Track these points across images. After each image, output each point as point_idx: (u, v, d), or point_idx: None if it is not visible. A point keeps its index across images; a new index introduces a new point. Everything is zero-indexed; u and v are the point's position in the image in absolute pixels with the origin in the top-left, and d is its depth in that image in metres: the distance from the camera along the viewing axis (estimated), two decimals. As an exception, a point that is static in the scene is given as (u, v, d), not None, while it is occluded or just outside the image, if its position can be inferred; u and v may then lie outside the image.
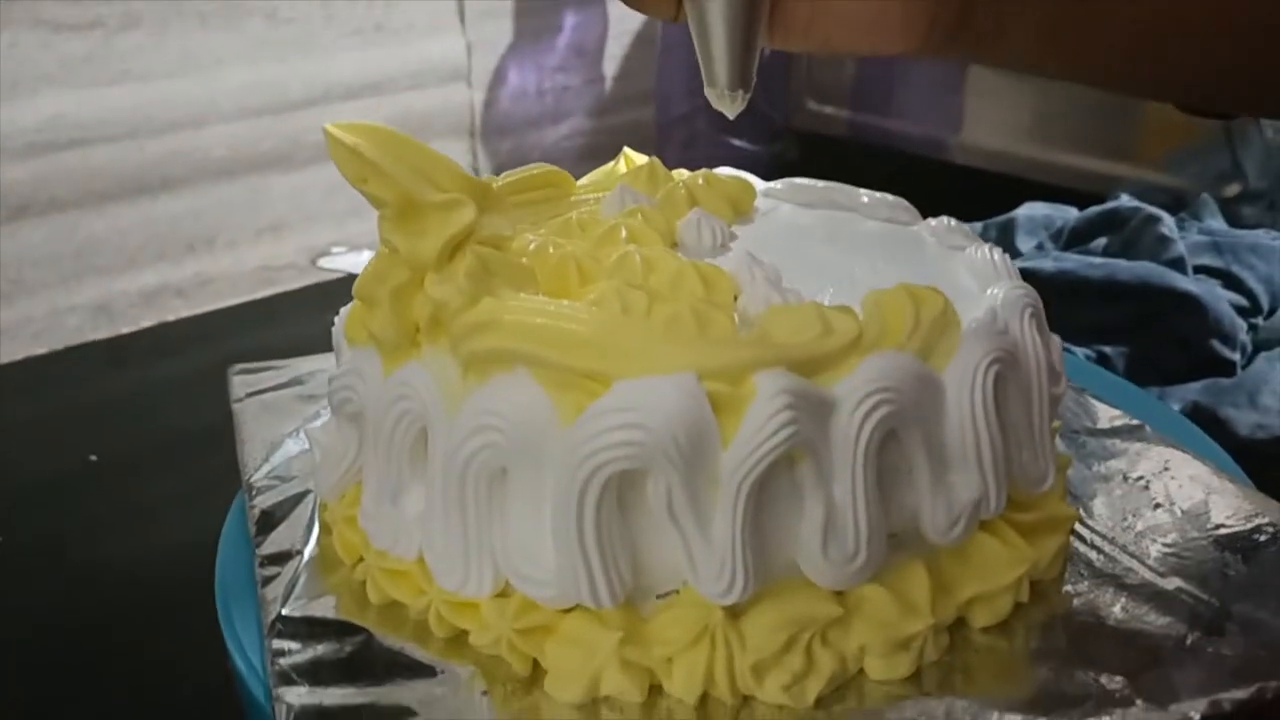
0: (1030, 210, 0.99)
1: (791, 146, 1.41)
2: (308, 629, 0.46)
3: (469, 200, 0.44)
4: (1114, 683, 0.42)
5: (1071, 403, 0.61)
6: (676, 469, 0.39)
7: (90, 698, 0.56)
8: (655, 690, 0.43)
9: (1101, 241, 0.91)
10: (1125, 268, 0.83)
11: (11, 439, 0.82)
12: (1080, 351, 0.77)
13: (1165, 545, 0.49)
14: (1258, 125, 1.03)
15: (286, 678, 0.43)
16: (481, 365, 0.43)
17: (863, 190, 0.59)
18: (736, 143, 1.17)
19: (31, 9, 1.01)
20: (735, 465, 0.40)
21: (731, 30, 0.44)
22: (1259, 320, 0.82)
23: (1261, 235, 0.90)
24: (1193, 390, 0.74)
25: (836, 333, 0.42)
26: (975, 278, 0.51)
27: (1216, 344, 0.78)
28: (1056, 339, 0.50)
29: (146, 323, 1.08)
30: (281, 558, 0.51)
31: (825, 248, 0.54)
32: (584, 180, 0.59)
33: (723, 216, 0.54)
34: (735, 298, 0.46)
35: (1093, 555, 0.49)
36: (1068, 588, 0.48)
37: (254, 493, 0.56)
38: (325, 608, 0.48)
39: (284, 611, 0.47)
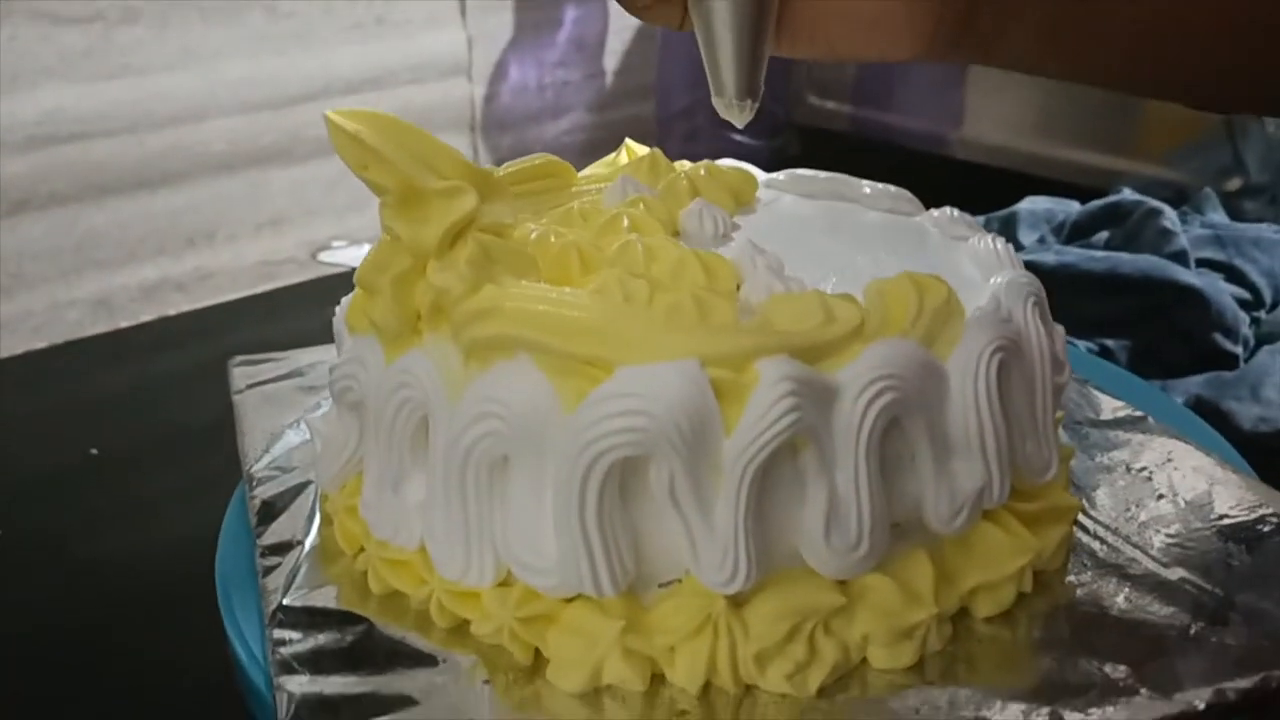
0: (1032, 204, 0.98)
1: (793, 141, 1.41)
2: (309, 619, 0.46)
3: (470, 188, 0.44)
4: (1118, 672, 0.42)
5: (1074, 394, 0.61)
6: (679, 456, 0.39)
7: (90, 693, 0.56)
8: (657, 679, 0.43)
9: (1103, 235, 0.91)
10: (1127, 261, 0.82)
11: (11, 433, 0.81)
12: (1082, 344, 0.77)
13: (1169, 536, 0.49)
14: (1259, 120, 1.03)
15: (288, 667, 0.43)
16: (483, 352, 0.43)
17: (865, 181, 0.59)
18: (737, 137, 1.17)
19: (31, 2, 1.01)
20: (738, 452, 0.40)
21: (738, 39, 0.44)
22: (1261, 314, 0.82)
23: (1264, 229, 0.89)
24: (1195, 383, 0.74)
25: (839, 320, 0.42)
26: (978, 267, 0.51)
27: (1219, 337, 0.78)
28: (1060, 328, 0.50)
29: (146, 317, 1.08)
30: (282, 548, 0.51)
31: (827, 238, 0.54)
32: (585, 171, 0.59)
33: (724, 207, 0.54)
34: (737, 286, 0.46)
35: (1096, 545, 0.49)
36: (1071, 578, 0.48)
37: (255, 483, 0.56)
38: (326, 598, 0.48)
39: (285, 601, 0.47)
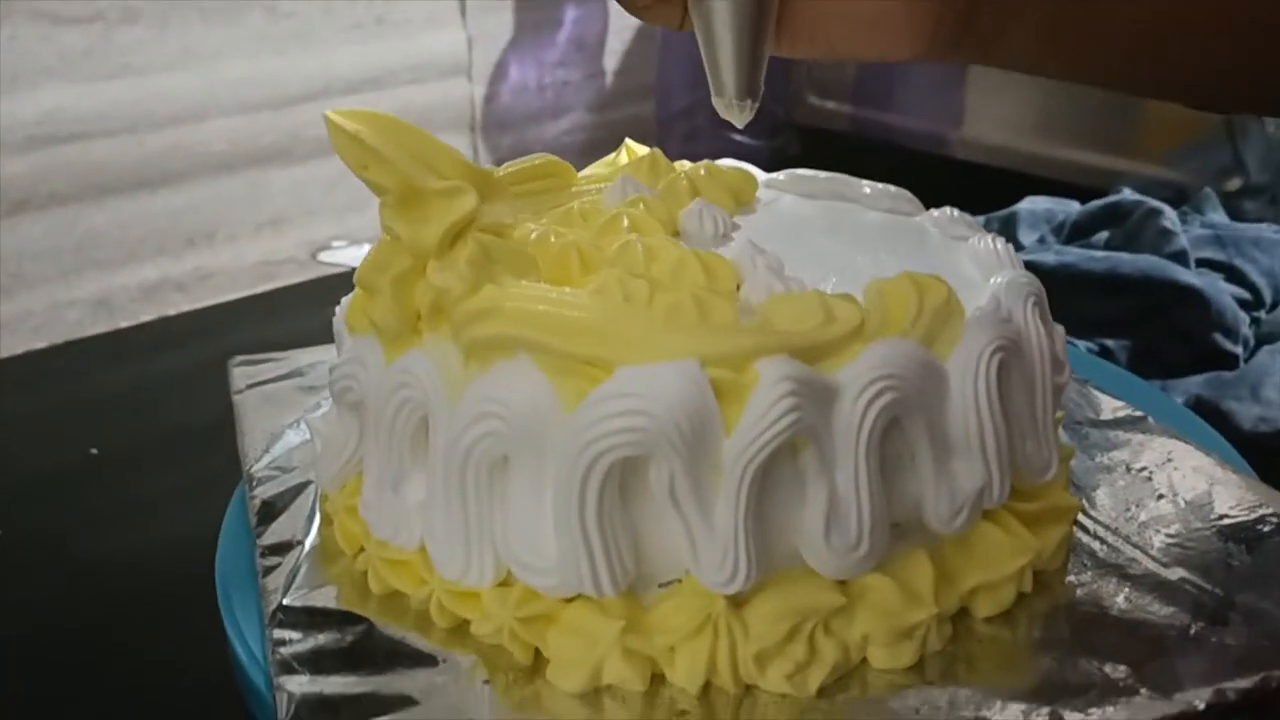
0: (1032, 204, 0.98)
1: (793, 141, 1.41)
2: (309, 619, 0.46)
3: (470, 188, 0.44)
4: (1118, 672, 0.42)
5: (1074, 394, 0.61)
6: (679, 455, 0.39)
7: (90, 693, 0.56)
8: (657, 679, 0.43)
9: (1103, 235, 0.91)
10: (1127, 261, 0.82)
11: (11, 433, 0.81)
12: (1082, 344, 0.77)
13: (1169, 536, 0.49)
14: (1259, 120, 1.03)
15: (288, 667, 0.43)
16: (483, 352, 0.43)
17: (865, 181, 0.59)
18: (737, 137, 1.17)
19: (31, 2, 1.01)
20: (738, 452, 0.40)
21: (739, 39, 0.44)
22: (1261, 314, 0.82)
23: (1264, 229, 0.89)
24: (1195, 383, 0.74)
25: (839, 320, 0.42)
26: (978, 267, 0.51)
27: (1219, 337, 0.78)
28: (1060, 328, 0.50)
29: (146, 317, 1.08)
30: (282, 548, 0.51)
31: (827, 238, 0.54)
32: (585, 171, 0.59)
33: (724, 207, 0.54)
34: (737, 286, 0.46)
35: (1096, 546, 0.49)
36: (1071, 578, 0.48)
37: (255, 483, 0.56)
38: (326, 598, 0.48)
39: (285, 601, 0.47)
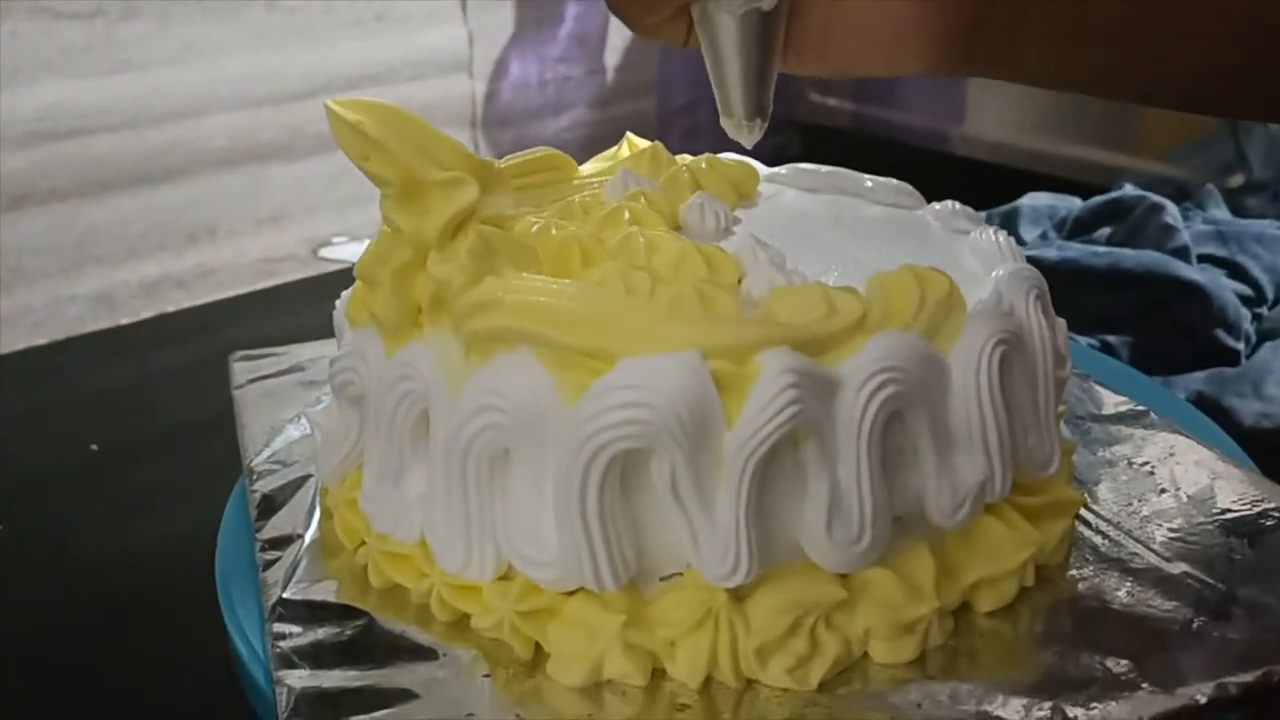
0: (1034, 200, 0.98)
1: (794, 138, 1.41)
2: (309, 612, 0.46)
3: (472, 179, 0.44)
4: (1120, 666, 0.41)
5: (1076, 389, 0.61)
6: (680, 448, 0.39)
7: (90, 690, 0.56)
8: (658, 674, 0.43)
9: (1105, 231, 0.91)
10: (1129, 256, 0.82)
11: (12, 429, 0.81)
12: (1084, 340, 0.77)
13: (1171, 530, 0.49)
14: (1262, 117, 1.03)
15: (287, 661, 0.43)
16: (484, 345, 0.43)
17: (867, 175, 0.59)
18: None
19: (33, -2, 1.01)
20: (739, 445, 0.40)
21: (746, 58, 0.44)
22: (1263, 310, 0.82)
23: (1266, 225, 0.89)
24: (1197, 379, 0.74)
25: (841, 313, 0.42)
26: (980, 261, 0.50)
27: (1221, 333, 0.78)
28: (1061, 322, 0.50)
29: (147, 313, 1.08)
30: (282, 542, 0.51)
31: (829, 232, 0.54)
32: (586, 165, 0.59)
33: (726, 200, 0.54)
34: (739, 280, 0.45)
35: (1098, 540, 0.49)
36: (1073, 572, 0.47)
37: (255, 478, 0.55)
38: (326, 591, 0.47)
39: (285, 595, 0.47)
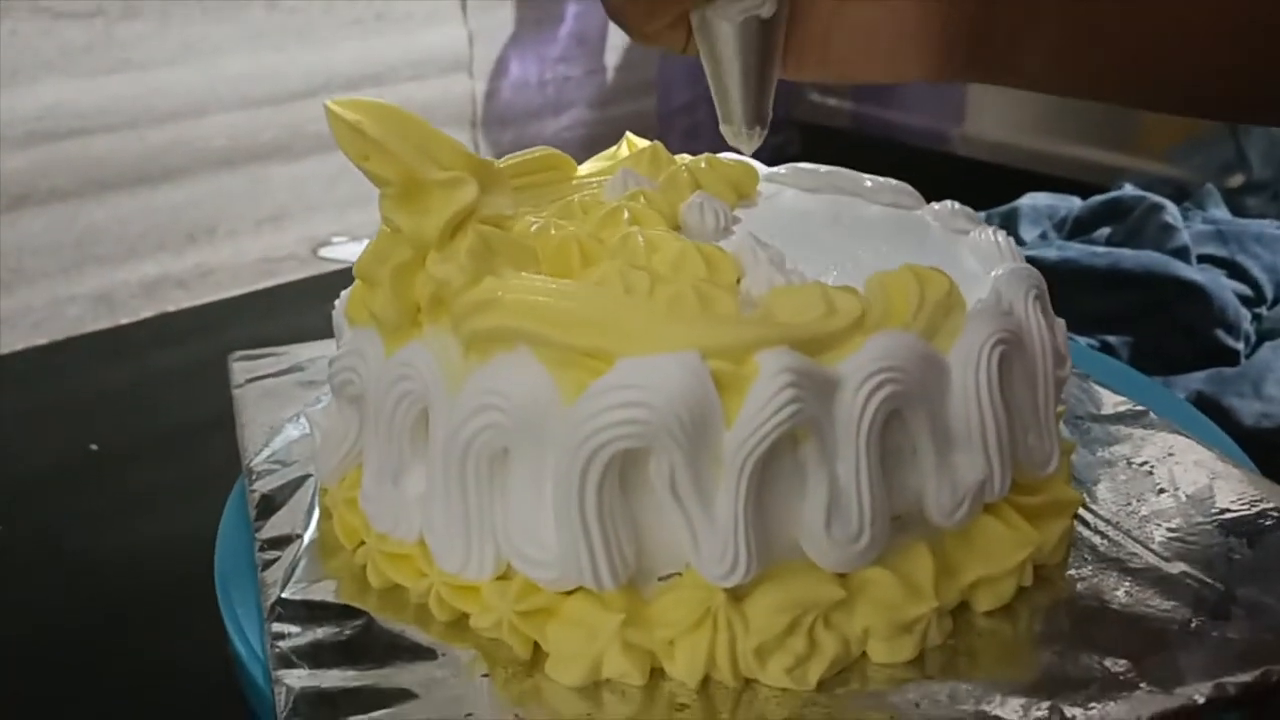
0: (1033, 200, 0.98)
1: (794, 138, 1.41)
2: (308, 612, 0.46)
3: (471, 178, 0.44)
4: (1118, 666, 0.41)
5: (1075, 389, 0.61)
6: (680, 447, 0.39)
7: (90, 690, 0.56)
8: (657, 673, 0.43)
9: (1105, 231, 0.91)
10: (1129, 256, 0.82)
11: (12, 429, 0.81)
12: (1084, 340, 0.77)
13: (1170, 530, 0.49)
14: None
15: (286, 660, 0.43)
16: (483, 344, 0.43)
17: (866, 175, 0.59)
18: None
19: (33, -2, 1.01)
20: (738, 444, 0.40)
21: (745, 65, 0.43)
22: (1263, 310, 0.82)
23: (1266, 225, 0.89)
24: (1197, 379, 0.74)
25: (840, 312, 0.42)
26: (979, 260, 0.50)
27: (1221, 333, 0.78)
28: (1061, 321, 0.50)
29: (147, 313, 1.08)
30: (281, 542, 0.51)
31: (829, 231, 0.54)
32: (586, 165, 0.59)
33: (725, 200, 0.54)
34: (738, 279, 0.45)
35: (1097, 540, 0.49)
36: (1071, 572, 0.47)
37: (254, 477, 0.55)
38: (325, 591, 0.47)
39: (284, 595, 0.47)
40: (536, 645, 0.44)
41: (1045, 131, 1.19)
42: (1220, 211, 0.96)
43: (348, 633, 0.45)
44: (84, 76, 1.05)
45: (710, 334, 0.41)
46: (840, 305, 0.42)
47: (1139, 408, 0.59)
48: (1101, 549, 0.49)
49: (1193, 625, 0.43)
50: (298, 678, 0.42)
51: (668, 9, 0.42)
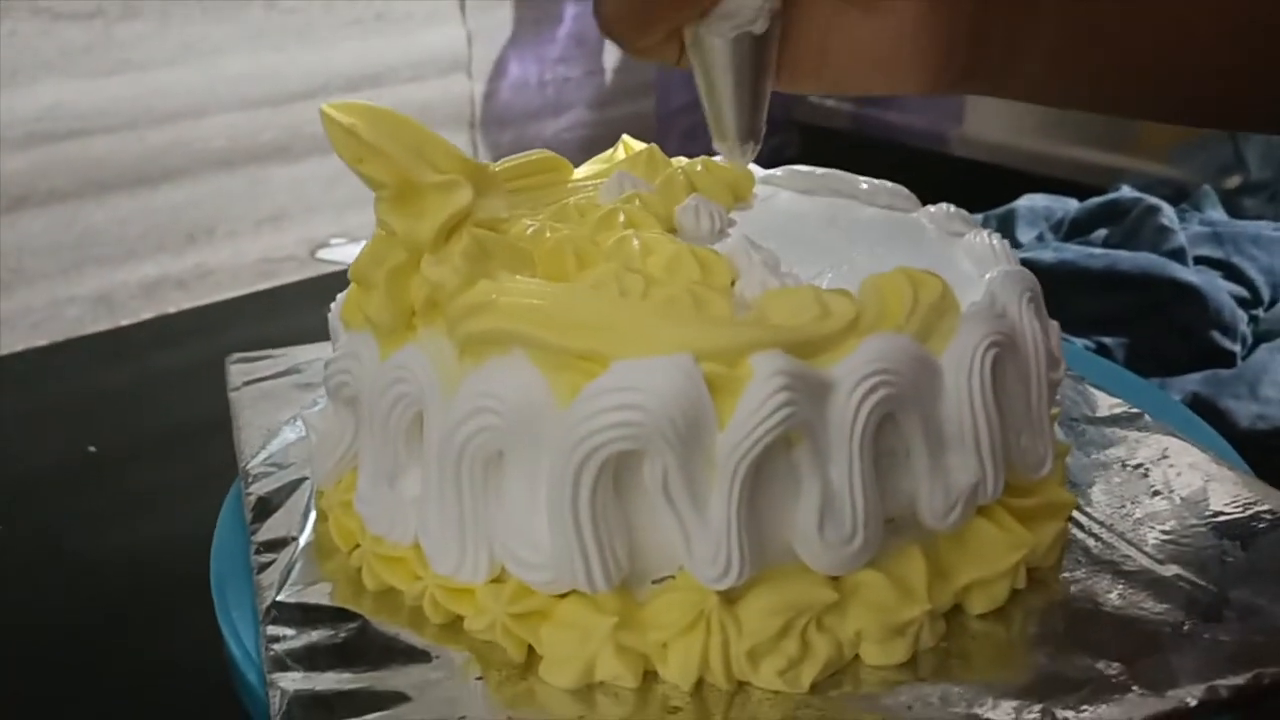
0: (1030, 201, 0.98)
1: (793, 139, 1.41)
2: (303, 615, 0.46)
3: (466, 182, 0.44)
4: (1111, 669, 0.41)
5: (1071, 391, 0.61)
6: (673, 450, 0.39)
7: (89, 691, 0.56)
8: (650, 675, 0.43)
9: (1102, 232, 0.91)
10: (1126, 258, 0.82)
11: (11, 430, 0.82)
12: (1080, 342, 0.77)
13: (1163, 532, 0.49)
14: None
15: (281, 663, 0.43)
16: (478, 347, 0.43)
17: (862, 177, 0.59)
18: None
19: (32, -1, 1.01)
20: (731, 447, 0.40)
21: (738, 82, 0.43)
22: (1259, 311, 0.82)
23: (1263, 226, 0.89)
24: (1193, 381, 0.74)
25: (834, 315, 0.42)
26: (974, 263, 0.51)
27: (1217, 335, 0.78)
28: (1055, 324, 0.50)
29: (146, 314, 1.08)
30: (277, 544, 0.51)
31: (824, 234, 0.54)
32: (582, 168, 0.59)
33: (721, 202, 0.54)
34: (733, 282, 0.46)
35: (1090, 542, 0.49)
36: (1065, 575, 0.48)
37: (250, 480, 0.56)
38: (320, 594, 0.48)
39: (279, 598, 0.47)
40: (530, 648, 0.44)
41: (1044, 133, 1.19)
42: (1217, 213, 0.96)
43: (342, 635, 0.45)
44: (83, 77, 1.05)
45: (704, 336, 0.41)
46: (834, 308, 0.42)
47: (1134, 410, 0.59)
48: (1095, 551, 0.49)
49: (1185, 628, 0.43)
50: (292, 680, 0.42)
51: (660, 25, 0.42)
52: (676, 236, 0.50)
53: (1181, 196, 0.99)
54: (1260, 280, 0.83)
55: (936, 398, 0.44)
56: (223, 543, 0.53)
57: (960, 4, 0.42)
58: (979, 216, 0.95)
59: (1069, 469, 0.53)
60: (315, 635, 0.45)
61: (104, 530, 0.68)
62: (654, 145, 0.59)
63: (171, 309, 1.09)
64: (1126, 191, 0.94)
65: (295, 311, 0.98)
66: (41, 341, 1.00)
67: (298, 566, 0.49)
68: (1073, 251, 0.85)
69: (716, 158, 0.58)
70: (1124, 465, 0.54)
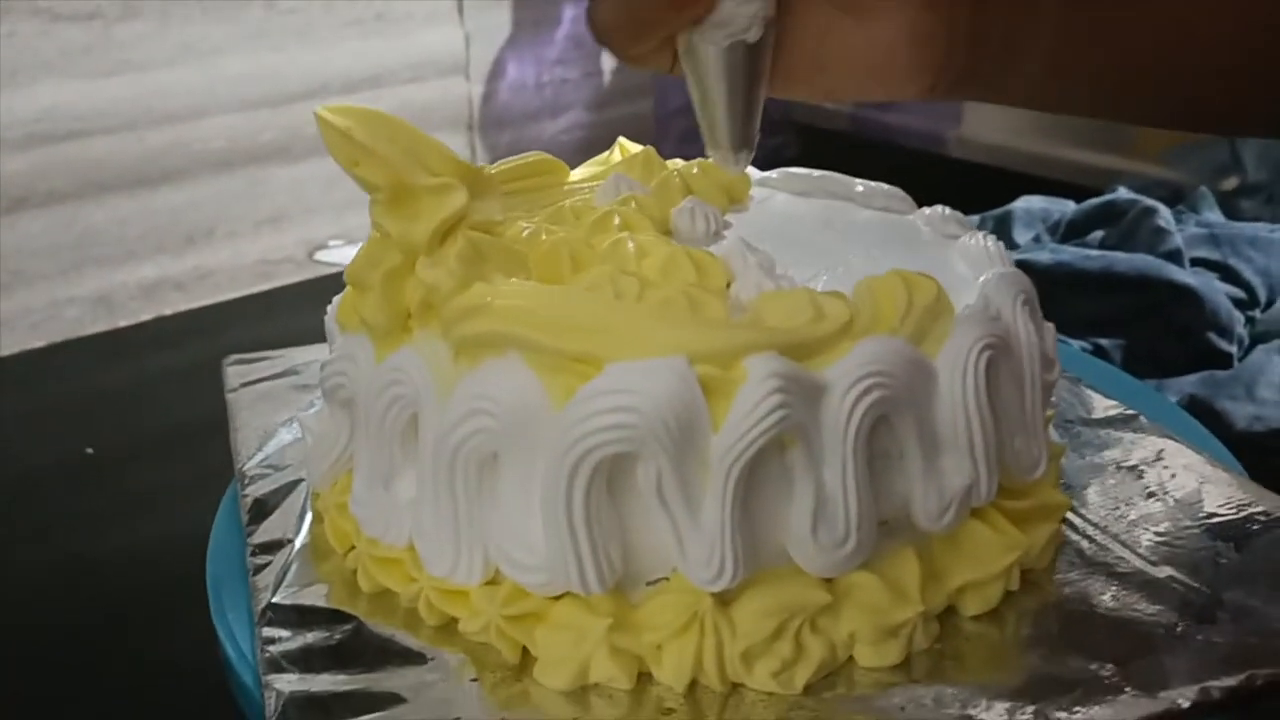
0: (1027, 203, 0.98)
1: (792, 140, 1.41)
2: (298, 617, 0.46)
3: (460, 184, 0.44)
4: (1104, 670, 0.41)
5: (1066, 393, 0.61)
6: (667, 452, 0.39)
7: (87, 691, 0.56)
8: (644, 677, 0.43)
9: (1098, 234, 0.91)
10: (1122, 260, 0.82)
11: (11, 431, 0.82)
12: (1076, 344, 0.77)
13: (1157, 534, 0.49)
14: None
15: (276, 665, 0.43)
16: (472, 349, 0.43)
17: (858, 179, 0.59)
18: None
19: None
20: (725, 449, 0.40)
21: (732, 90, 0.43)
22: (1256, 313, 0.82)
23: (1260, 228, 0.89)
24: (1189, 383, 0.74)
25: (828, 317, 0.42)
26: (969, 266, 0.51)
27: (1213, 336, 0.78)
28: (1050, 326, 0.50)
29: (145, 315, 1.08)
30: (273, 546, 0.51)
31: (820, 236, 0.54)
32: (578, 170, 0.59)
33: (717, 204, 0.54)
34: (728, 284, 0.46)
35: (1084, 544, 0.49)
36: (1059, 576, 0.48)
37: (247, 482, 0.56)
38: (316, 596, 0.48)
39: (275, 599, 0.47)
40: (525, 649, 0.44)
41: (1042, 134, 1.19)
42: (1214, 214, 0.96)
43: (338, 637, 0.45)
44: (83, 78, 1.06)
45: (698, 339, 0.41)
46: (828, 310, 0.43)
47: (1130, 412, 0.59)
48: (1089, 553, 0.49)
49: (1178, 629, 0.43)
50: (287, 682, 0.42)
51: (654, 33, 0.42)
52: (672, 239, 0.50)
53: (1178, 198, 0.99)
54: (1257, 282, 0.83)
55: (930, 400, 0.44)
56: (219, 544, 0.53)
57: (955, 11, 0.42)
58: (976, 218, 0.95)
59: (1064, 470, 0.53)
60: (310, 637, 0.45)
61: (104, 530, 0.69)
62: (650, 147, 0.59)
63: (170, 310, 1.09)
64: (1123, 193, 0.94)
65: (293, 313, 0.98)
66: (41, 343, 1.01)
67: (293, 568, 0.49)
68: (1069, 253, 0.85)
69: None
70: (1119, 467, 0.54)
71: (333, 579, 0.49)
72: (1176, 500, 0.51)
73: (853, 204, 0.58)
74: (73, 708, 0.56)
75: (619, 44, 0.42)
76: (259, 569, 0.49)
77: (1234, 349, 0.78)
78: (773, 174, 0.60)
